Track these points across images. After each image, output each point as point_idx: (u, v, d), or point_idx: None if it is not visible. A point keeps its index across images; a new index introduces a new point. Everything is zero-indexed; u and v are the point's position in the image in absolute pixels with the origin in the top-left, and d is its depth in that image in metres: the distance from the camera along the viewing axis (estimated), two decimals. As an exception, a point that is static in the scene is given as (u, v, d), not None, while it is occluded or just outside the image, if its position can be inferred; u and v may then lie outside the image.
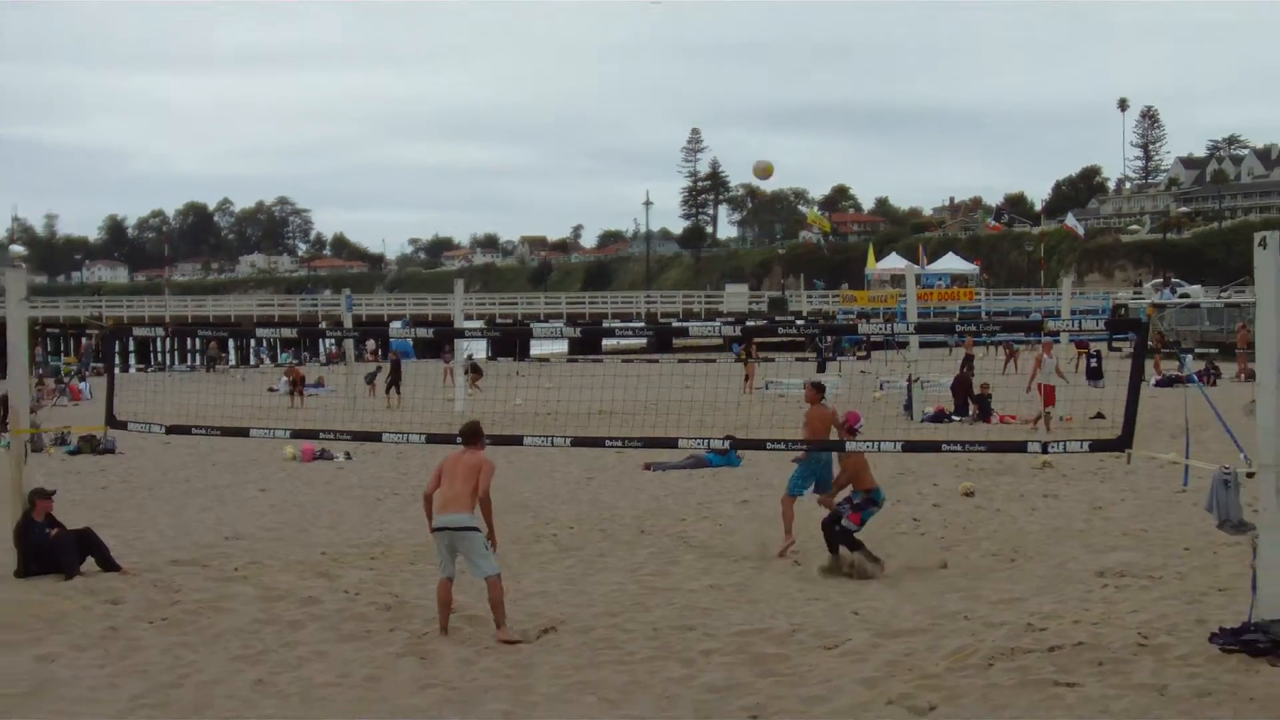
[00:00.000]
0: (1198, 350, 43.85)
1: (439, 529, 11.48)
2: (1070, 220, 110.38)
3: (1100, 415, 25.29)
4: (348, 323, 42.34)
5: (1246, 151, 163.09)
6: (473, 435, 12.06)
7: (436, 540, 11.57)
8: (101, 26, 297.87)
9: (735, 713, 9.20)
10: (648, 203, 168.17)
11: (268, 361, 68.32)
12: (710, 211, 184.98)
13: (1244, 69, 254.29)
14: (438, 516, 11.49)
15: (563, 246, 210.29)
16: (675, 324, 37.45)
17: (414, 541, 15.59)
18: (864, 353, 50.81)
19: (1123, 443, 11.60)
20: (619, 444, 14.51)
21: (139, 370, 65.47)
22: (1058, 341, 31.87)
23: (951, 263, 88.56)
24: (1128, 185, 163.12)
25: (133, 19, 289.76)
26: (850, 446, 14.01)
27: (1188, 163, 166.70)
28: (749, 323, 35.17)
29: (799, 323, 35.90)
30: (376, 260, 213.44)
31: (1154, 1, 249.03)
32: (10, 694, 9.93)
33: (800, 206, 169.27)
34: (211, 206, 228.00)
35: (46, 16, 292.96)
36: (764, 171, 17.85)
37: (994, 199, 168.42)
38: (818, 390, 15.88)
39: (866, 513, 14.14)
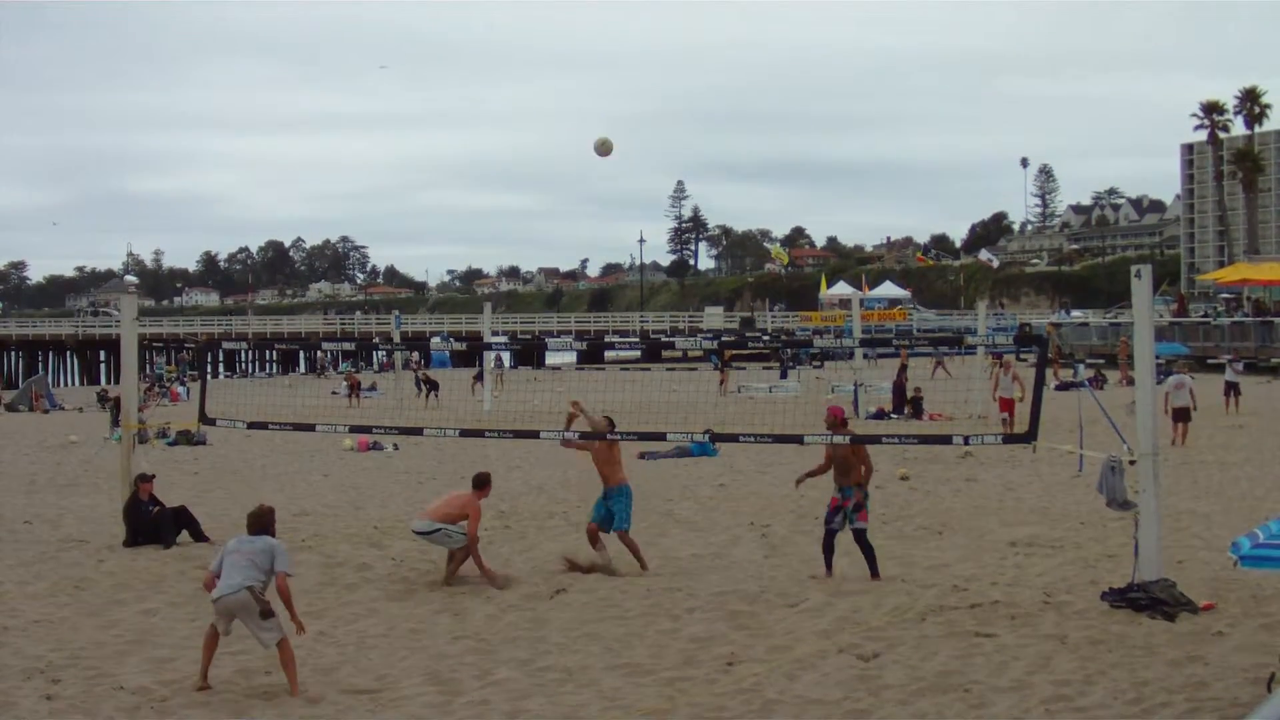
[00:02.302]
0: (1088, 360, 43.82)
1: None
2: (984, 255, 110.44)
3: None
4: (396, 338, 42.20)
5: (1123, 201, 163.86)
6: (475, 483, 12.05)
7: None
8: (190, 95, 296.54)
9: (714, 659, 9.10)
10: (641, 240, 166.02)
11: (331, 370, 68.03)
12: (692, 247, 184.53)
13: (1122, 133, 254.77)
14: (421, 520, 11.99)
15: (572, 275, 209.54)
16: (664, 339, 37.33)
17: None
18: (818, 362, 50.64)
19: (1030, 436, 11.55)
20: (618, 437, 14.37)
21: (226, 377, 65.30)
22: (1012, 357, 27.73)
23: (888, 289, 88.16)
24: (1029, 227, 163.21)
25: (218, 86, 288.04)
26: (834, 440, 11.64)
27: (1077, 209, 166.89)
28: (724, 338, 35.03)
29: (765, 338, 35.76)
30: (420, 287, 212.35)
31: (1048, 78, 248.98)
32: (121, 640, 9.94)
33: (765, 243, 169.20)
34: (287, 243, 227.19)
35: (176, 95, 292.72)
36: (604, 148, 15.82)
37: (922, 238, 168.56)
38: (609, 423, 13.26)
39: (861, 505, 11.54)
